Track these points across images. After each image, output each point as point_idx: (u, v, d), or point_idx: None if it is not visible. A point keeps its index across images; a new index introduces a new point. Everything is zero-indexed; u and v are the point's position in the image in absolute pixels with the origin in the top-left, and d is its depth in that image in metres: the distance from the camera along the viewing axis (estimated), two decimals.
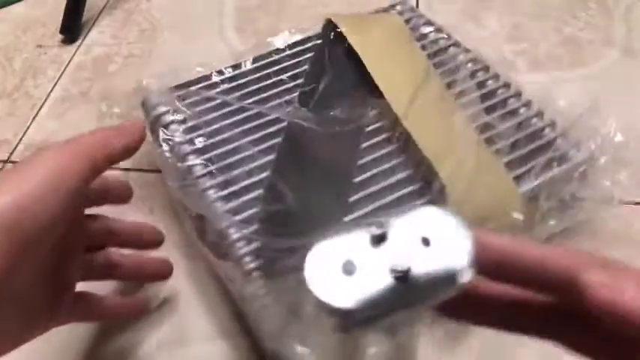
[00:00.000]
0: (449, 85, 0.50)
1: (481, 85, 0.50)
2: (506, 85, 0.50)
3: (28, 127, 0.61)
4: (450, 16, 0.70)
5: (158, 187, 0.52)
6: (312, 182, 0.42)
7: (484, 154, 0.44)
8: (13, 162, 0.57)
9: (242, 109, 0.49)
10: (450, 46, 0.54)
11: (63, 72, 0.67)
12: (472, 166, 0.42)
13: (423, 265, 0.26)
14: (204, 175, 0.44)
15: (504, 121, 0.46)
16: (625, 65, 0.63)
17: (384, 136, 0.46)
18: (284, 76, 0.52)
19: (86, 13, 0.73)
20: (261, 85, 0.52)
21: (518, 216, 0.40)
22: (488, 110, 0.48)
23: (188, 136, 0.47)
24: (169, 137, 0.47)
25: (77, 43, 0.71)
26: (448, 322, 0.29)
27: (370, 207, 0.42)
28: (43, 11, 0.76)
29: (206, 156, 0.46)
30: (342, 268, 0.26)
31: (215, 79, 0.52)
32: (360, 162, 0.44)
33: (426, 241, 0.27)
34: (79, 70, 0.67)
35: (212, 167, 0.45)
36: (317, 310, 0.26)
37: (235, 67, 0.53)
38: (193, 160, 0.45)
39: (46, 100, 0.64)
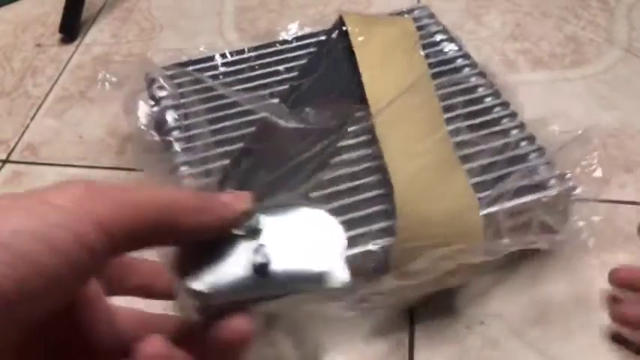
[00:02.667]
0: (445, 96, 0.49)
1: (479, 100, 0.49)
2: (504, 104, 0.48)
3: (27, 127, 0.61)
4: (451, 16, 0.69)
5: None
6: (263, 176, 0.43)
7: (452, 170, 0.43)
8: (11, 162, 0.57)
9: (223, 96, 0.50)
10: (458, 57, 0.53)
11: (62, 71, 0.67)
12: (434, 179, 0.41)
13: (288, 262, 0.27)
14: (172, 152, 0.46)
15: (492, 140, 0.45)
16: (626, 64, 0.63)
17: (358, 139, 0.46)
18: (281, 68, 0.53)
19: (85, 12, 0.73)
20: (256, 73, 0.53)
21: (478, 239, 0.39)
22: (479, 127, 0.46)
23: (166, 114, 0.49)
24: (145, 112, 0.49)
25: (76, 42, 0.71)
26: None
27: (329, 206, 0.42)
28: (43, 10, 0.76)
29: (178, 135, 0.47)
30: (211, 254, 0.27)
31: (217, 61, 0.54)
32: (335, 160, 0.44)
33: (298, 240, 0.28)
34: (78, 69, 0.67)
35: (178, 147, 0.46)
36: (178, 290, 0.26)
37: (239, 52, 0.55)
38: (164, 136, 0.47)
39: (45, 99, 0.63)
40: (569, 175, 0.42)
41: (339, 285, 0.28)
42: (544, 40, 0.66)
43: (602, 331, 0.42)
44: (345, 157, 0.44)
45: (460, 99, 0.49)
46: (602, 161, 0.42)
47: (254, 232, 0.28)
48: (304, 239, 0.28)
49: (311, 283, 0.27)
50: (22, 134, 0.60)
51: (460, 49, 0.54)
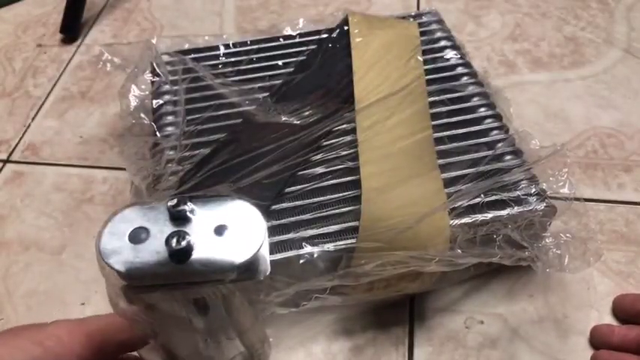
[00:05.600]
0: (437, 102, 0.48)
1: (472, 110, 0.49)
2: (497, 116, 0.48)
3: (28, 127, 0.61)
4: (450, 16, 0.69)
5: None
6: (238, 169, 0.43)
7: (427, 174, 0.42)
8: (12, 161, 0.57)
9: (211, 86, 0.51)
10: (458, 65, 0.52)
11: (63, 71, 0.67)
12: (405, 181, 0.41)
13: (205, 251, 0.27)
14: (156, 137, 0.47)
15: (476, 151, 0.45)
16: (626, 65, 0.63)
17: (339, 139, 0.46)
18: (280, 62, 0.54)
19: (86, 12, 0.73)
20: (253, 66, 0.54)
21: (442, 247, 0.38)
22: (466, 136, 0.46)
23: (155, 99, 0.50)
24: (136, 95, 0.50)
25: (77, 42, 0.71)
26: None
27: (298, 203, 0.42)
28: (43, 10, 0.76)
29: (164, 121, 0.48)
30: (134, 235, 0.28)
31: (220, 51, 0.55)
32: (313, 158, 0.44)
33: (220, 231, 0.28)
34: (79, 69, 0.67)
35: (162, 131, 0.47)
36: (102, 265, 0.27)
37: (242, 44, 0.56)
38: (151, 121, 0.48)
39: (46, 99, 0.64)
40: (548, 193, 0.41)
41: (257, 277, 0.28)
42: (543, 41, 0.66)
43: None
44: (321, 156, 0.45)
45: (453, 107, 0.49)
46: (594, 165, 0.41)
47: (183, 220, 0.28)
48: (228, 230, 0.28)
49: (228, 273, 0.28)
50: (23, 134, 0.60)
51: (462, 57, 0.53)
